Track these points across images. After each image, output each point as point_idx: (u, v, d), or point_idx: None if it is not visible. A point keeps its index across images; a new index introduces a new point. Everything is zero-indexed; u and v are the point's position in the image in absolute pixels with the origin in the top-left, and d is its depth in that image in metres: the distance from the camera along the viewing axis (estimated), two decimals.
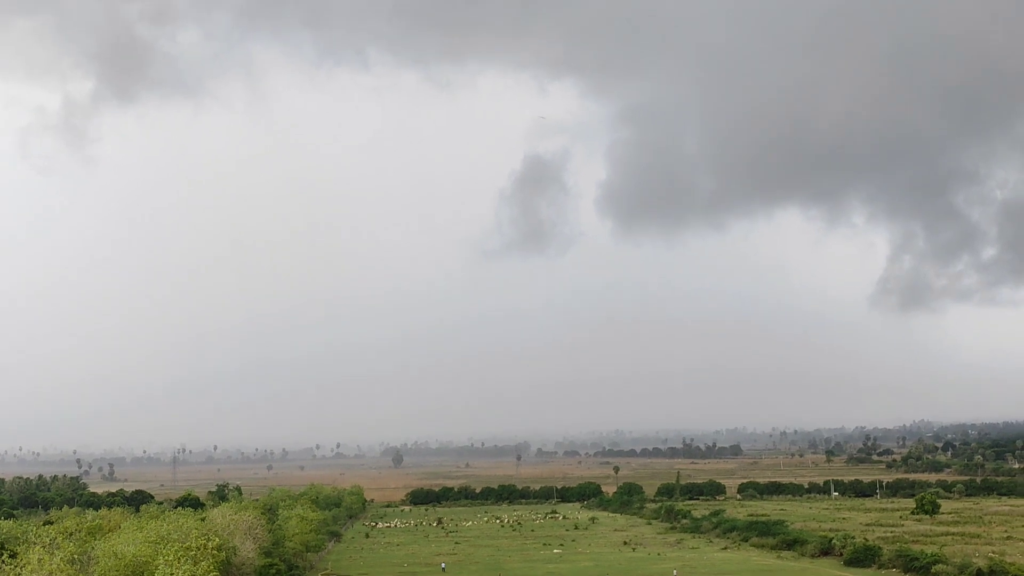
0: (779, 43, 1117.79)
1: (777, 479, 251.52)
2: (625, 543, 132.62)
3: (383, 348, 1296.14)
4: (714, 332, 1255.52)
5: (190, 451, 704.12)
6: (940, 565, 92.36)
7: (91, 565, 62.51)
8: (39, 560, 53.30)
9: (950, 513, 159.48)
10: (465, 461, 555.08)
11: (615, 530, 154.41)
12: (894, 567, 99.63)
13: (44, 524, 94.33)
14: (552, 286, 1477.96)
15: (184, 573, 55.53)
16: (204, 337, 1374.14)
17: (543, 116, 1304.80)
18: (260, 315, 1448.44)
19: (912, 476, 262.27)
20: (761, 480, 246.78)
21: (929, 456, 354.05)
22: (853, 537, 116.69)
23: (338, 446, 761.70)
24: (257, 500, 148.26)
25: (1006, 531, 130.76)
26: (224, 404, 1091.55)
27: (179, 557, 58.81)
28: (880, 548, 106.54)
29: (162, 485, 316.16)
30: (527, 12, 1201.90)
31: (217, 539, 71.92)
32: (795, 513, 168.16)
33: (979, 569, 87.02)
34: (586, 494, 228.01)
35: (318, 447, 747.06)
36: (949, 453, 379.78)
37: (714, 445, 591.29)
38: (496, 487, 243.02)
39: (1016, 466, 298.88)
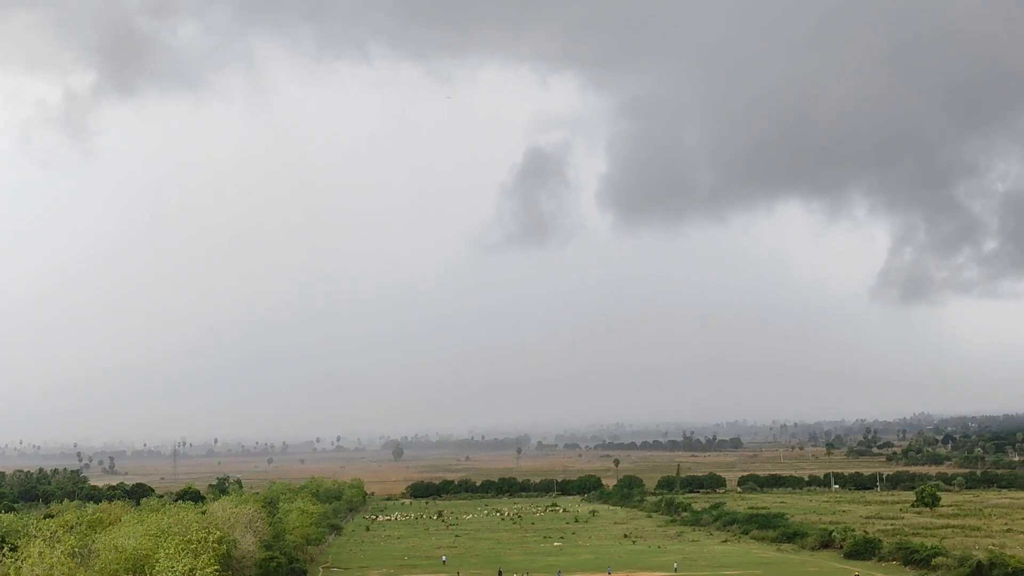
0: (781, 37, 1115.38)
1: (777, 472, 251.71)
2: (625, 536, 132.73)
3: (383, 341, 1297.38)
4: (714, 325, 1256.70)
5: (190, 444, 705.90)
6: (940, 558, 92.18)
7: (92, 558, 62.23)
8: (40, 553, 53.24)
9: (950, 506, 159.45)
10: (465, 454, 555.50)
11: (615, 523, 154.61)
12: (894, 560, 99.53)
13: (45, 517, 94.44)
14: (553, 279, 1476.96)
15: (185, 566, 55.32)
16: (205, 330, 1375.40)
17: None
18: (261, 308, 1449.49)
19: (912, 469, 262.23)
20: (761, 473, 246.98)
21: (929, 449, 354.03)
22: (853, 530, 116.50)
23: (338, 439, 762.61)
24: (257, 493, 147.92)
25: (1006, 524, 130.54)
26: (224, 398, 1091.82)
27: (180, 550, 58.68)
28: (880, 541, 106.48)
29: (162, 478, 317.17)
30: (527, 5, 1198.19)
31: (218, 532, 72.09)
32: (795, 506, 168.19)
33: (979, 562, 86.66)
34: (586, 487, 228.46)
35: (318, 440, 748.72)
36: (949, 446, 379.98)
37: (714, 438, 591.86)
38: (496, 480, 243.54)
39: (1016, 459, 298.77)
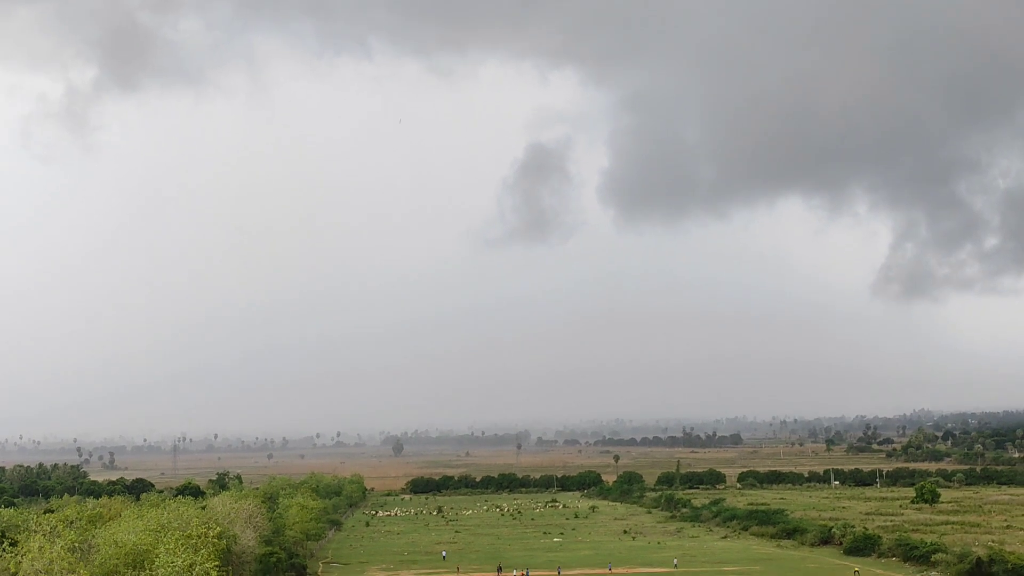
0: (782, 32, 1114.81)
1: (777, 468, 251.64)
2: (625, 532, 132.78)
3: (384, 337, 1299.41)
4: (715, 321, 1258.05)
5: (190, 440, 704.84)
6: (940, 554, 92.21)
7: (91, 553, 61.98)
8: (40, 548, 52.65)
9: (950, 502, 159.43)
10: (465, 450, 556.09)
11: (615, 519, 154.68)
12: (894, 556, 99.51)
13: (45, 512, 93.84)
14: (554, 275, 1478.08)
15: (184, 561, 55.08)
16: (205, 326, 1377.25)
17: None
18: (261, 303, 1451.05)
19: (912, 465, 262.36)
20: (761, 469, 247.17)
21: (929, 445, 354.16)
22: (853, 526, 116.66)
23: (338, 435, 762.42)
24: (257, 489, 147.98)
25: (1006, 520, 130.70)
26: (225, 393, 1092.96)
27: (180, 545, 58.46)
28: (880, 537, 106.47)
29: (162, 473, 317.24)
30: (528, 1, 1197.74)
31: (218, 528, 71.59)
32: (795, 502, 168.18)
33: (978, 558, 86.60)
34: (586, 483, 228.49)
35: (318, 436, 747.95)
36: (949, 442, 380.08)
37: (714, 434, 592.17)
38: (496, 476, 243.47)
39: (1016, 455, 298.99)
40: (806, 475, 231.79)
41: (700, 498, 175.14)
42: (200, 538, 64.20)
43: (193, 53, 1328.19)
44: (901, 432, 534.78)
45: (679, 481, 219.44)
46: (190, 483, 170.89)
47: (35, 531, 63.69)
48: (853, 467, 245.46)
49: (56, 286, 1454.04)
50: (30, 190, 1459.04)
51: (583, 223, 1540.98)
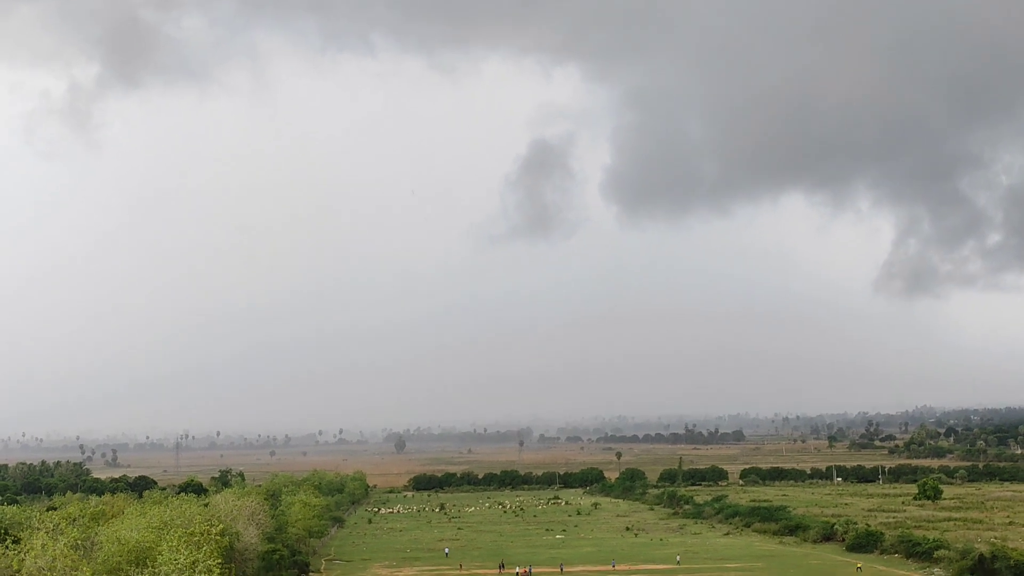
0: (784, 28, 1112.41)
1: (779, 465, 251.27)
2: (627, 529, 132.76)
3: (386, 333, 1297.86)
4: (717, 317, 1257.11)
5: (193, 437, 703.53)
6: (942, 551, 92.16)
7: (94, 551, 61.82)
8: (43, 546, 52.80)
9: (952, 499, 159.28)
10: (468, 447, 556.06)
11: (617, 516, 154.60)
12: (896, 552, 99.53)
13: (47, 510, 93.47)
14: (556, 271, 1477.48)
15: (187, 559, 54.95)
16: (207, 323, 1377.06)
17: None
18: (264, 300, 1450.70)
19: (914, 462, 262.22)
20: (763, 466, 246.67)
21: (931, 442, 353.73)
22: (855, 523, 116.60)
23: (341, 432, 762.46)
24: (260, 486, 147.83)
25: (1008, 517, 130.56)
26: (227, 390, 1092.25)
27: (182, 543, 58.39)
28: (882, 533, 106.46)
29: (165, 471, 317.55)
30: None
31: (220, 525, 71.87)
32: (797, 499, 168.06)
33: (981, 555, 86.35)
34: (588, 480, 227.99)
35: (321, 433, 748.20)
36: (952, 439, 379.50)
37: (716, 431, 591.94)
38: (499, 473, 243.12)
39: (1019, 452, 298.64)
40: (808, 472, 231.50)
41: (702, 495, 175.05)
42: (203, 535, 64.24)
43: (196, 50, 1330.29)
44: (903, 429, 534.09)
45: (681, 478, 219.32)
46: (193, 480, 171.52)
47: (38, 528, 63.65)
48: (855, 464, 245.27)
49: (59, 283, 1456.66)
50: (33, 187, 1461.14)
51: (586, 220, 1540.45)
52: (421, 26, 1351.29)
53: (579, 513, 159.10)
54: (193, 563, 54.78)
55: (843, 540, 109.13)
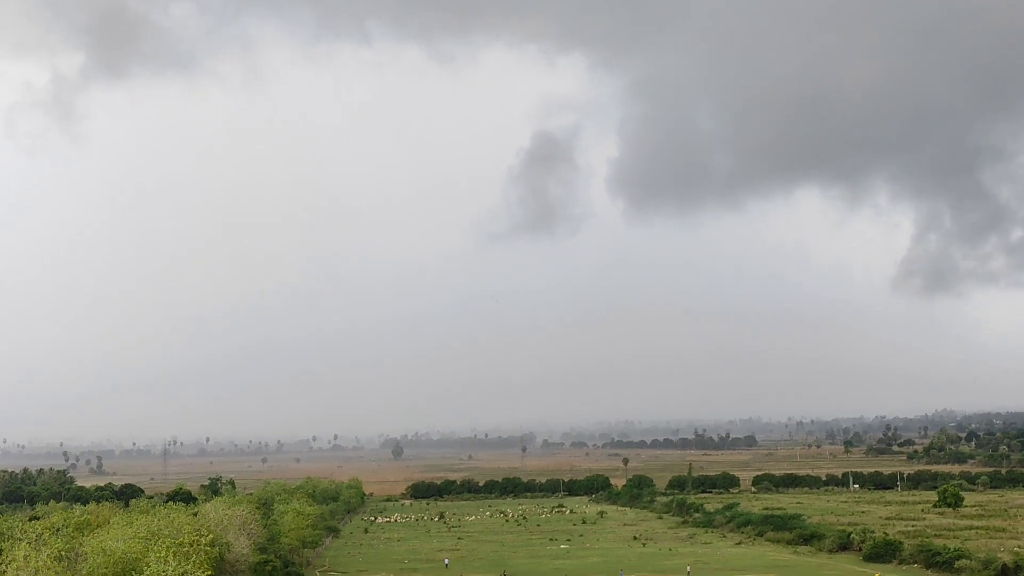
0: (799, 13, 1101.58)
1: (793, 471, 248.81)
2: (635, 538, 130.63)
3: (383, 335, 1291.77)
4: (728, 317, 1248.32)
5: (181, 443, 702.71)
6: (964, 560, 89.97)
7: (79, 562, 61.67)
8: (25, 557, 52.63)
9: (974, 506, 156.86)
10: (468, 453, 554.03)
11: (624, 524, 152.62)
12: (915, 562, 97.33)
13: (30, 520, 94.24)
14: (560, 269, 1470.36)
15: (175, 570, 54.58)
16: (196, 323, 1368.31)
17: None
18: (254, 300, 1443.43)
19: (934, 468, 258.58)
20: (777, 472, 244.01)
21: (952, 447, 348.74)
22: (873, 531, 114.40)
23: (335, 438, 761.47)
24: (251, 494, 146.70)
25: None
26: (217, 393, 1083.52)
27: (170, 554, 57.86)
28: (901, 543, 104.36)
29: (152, 479, 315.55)
30: None
31: (210, 535, 70.94)
32: (812, 506, 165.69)
33: (1004, 564, 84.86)
34: (594, 487, 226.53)
35: (315, 439, 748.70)
36: (973, 443, 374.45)
37: (727, 436, 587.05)
38: (500, 480, 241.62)
39: None
40: (823, 478, 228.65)
41: (713, 502, 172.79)
42: (192, 546, 63.33)
43: (185, 39, 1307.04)
44: (923, 433, 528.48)
45: (691, 485, 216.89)
46: (181, 488, 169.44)
47: (20, 539, 63.80)
48: (873, 470, 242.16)
49: (40, 282, 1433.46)
50: (14, 181, 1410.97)
51: (591, 215, 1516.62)
52: (419, 13, 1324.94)
53: (584, 522, 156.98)
54: (182, 575, 54.43)
55: (860, 550, 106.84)
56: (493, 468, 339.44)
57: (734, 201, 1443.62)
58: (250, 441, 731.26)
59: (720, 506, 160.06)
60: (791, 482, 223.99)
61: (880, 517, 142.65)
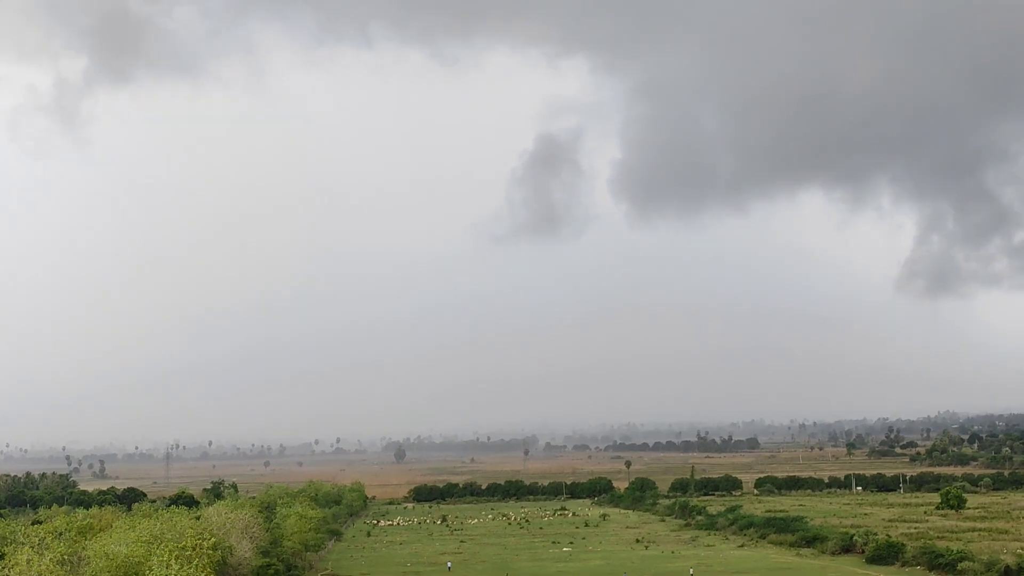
0: (801, 14, 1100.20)
1: (796, 473, 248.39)
2: (638, 541, 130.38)
3: (385, 337, 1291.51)
4: (731, 319, 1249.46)
5: (184, 447, 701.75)
6: (966, 562, 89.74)
7: (82, 566, 62.26)
8: (28, 561, 53.47)
9: (977, 508, 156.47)
10: (470, 456, 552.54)
11: (627, 527, 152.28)
12: (918, 564, 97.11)
13: (33, 524, 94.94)
14: (563, 271, 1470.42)
15: (178, 574, 55.27)
16: (198, 326, 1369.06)
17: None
18: (258, 302, 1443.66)
19: (937, 469, 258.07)
20: (779, 474, 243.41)
21: (955, 448, 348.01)
22: (875, 533, 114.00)
23: (338, 441, 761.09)
24: (254, 498, 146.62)
25: None
26: (219, 396, 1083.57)
27: (173, 557, 58.58)
28: (904, 545, 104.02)
29: (155, 482, 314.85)
30: None
31: (212, 539, 72.02)
32: (815, 509, 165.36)
33: (1007, 566, 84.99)
34: (597, 490, 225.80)
35: (317, 442, 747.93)
36: (976, 445, 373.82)
37: (730, 438, 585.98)
38: (503, 483, 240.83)
39: None
40: (826, 480, 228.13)
41: (715, 505, 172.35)
42: (194, 550, 64.24)
43: (188, 42, 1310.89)
44: (925, 435, 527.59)
45: (693, 487, 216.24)
46: (184, 492, 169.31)
47: (23, 543, 65.08)
48: (875, 472, 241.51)
49: (44, 286, 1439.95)
50: (17, 184, 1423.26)
51: (594, 217, 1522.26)
52: (421, 16, 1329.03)
53: (587, 525, 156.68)
54: None
55: (863, 552, 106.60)
56: (495, 471, 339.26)
57: (737, 203, 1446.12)
58: (252, 445, 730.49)
59: (723, 508, 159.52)
60: (794, 484, 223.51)
61: (883, 519, 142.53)
